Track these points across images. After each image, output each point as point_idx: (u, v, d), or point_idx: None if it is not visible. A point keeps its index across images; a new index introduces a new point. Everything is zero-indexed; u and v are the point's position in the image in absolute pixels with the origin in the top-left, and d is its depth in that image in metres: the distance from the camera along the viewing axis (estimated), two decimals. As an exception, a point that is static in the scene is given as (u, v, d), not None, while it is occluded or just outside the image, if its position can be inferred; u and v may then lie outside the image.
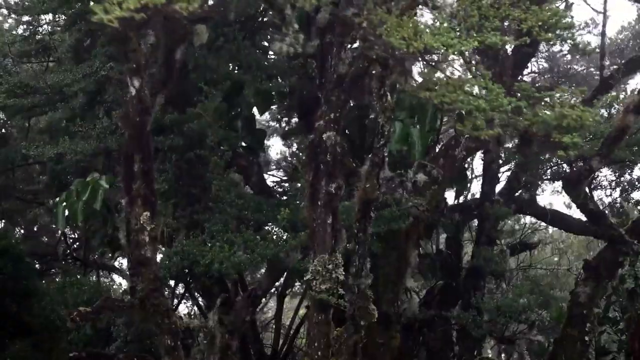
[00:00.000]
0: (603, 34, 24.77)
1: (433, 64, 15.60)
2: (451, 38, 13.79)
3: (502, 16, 14.60)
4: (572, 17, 15.10)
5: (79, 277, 27.52)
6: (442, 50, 13.98)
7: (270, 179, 31.58)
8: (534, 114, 14.09)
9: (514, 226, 36.22)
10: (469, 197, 31.25)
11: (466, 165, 28.90)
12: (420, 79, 18.12)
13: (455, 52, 13.98)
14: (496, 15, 14.54)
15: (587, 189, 21.81)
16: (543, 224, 32.89)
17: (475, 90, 14.46)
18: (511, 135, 15.36)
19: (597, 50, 24.49)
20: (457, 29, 14.41)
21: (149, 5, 12.35)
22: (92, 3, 14.20)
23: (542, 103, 14.29)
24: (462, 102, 14.04)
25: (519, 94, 14.44)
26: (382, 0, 15.44)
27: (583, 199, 21.31)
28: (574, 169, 22.54)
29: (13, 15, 27.55)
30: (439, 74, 15.57)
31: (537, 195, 30.26)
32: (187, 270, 20.65)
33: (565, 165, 26.33)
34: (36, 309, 22.01)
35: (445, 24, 14.48)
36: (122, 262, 32.14)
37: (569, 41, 15.12)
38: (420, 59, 15.27)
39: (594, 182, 27.64)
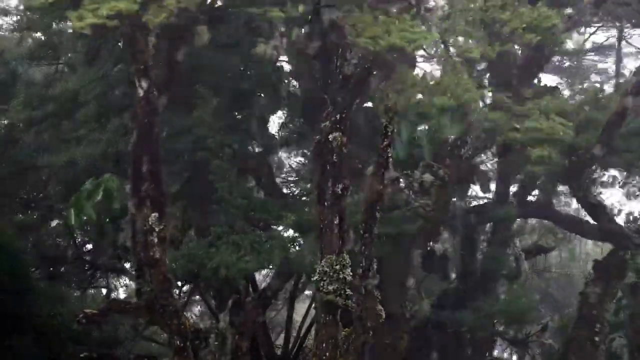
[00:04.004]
0: (619, 37, 24.73)
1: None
2: (413, 33, 13.85)
3: (489, 18, 14.68)
4: (559, 19, 14.94)
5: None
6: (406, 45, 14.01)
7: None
8: (510, 128, 14.21)
9: (529, 229, 36.06)
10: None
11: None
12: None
13: (419, 47, 14.03)
14: (483, 18, 14.63)
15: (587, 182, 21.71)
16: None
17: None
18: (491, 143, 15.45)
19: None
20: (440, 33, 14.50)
21: (122, 12, 12.62)
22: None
23: (519, 117, 14.39)
24: (431, 104, 14.17)
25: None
26: (375, 3, 15.46)
27: (584, 192, 21.17)
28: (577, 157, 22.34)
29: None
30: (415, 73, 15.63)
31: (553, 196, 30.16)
32: (194, 273, 20.68)
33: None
34: (39, 308, 22.07)
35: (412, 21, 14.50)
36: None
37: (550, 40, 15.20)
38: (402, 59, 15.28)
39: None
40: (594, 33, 30.44)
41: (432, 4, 15.51)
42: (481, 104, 14.38)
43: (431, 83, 14.49)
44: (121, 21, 14.14)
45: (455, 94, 13.90)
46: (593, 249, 36.65)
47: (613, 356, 22.86)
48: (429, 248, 23.23)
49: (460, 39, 14.60)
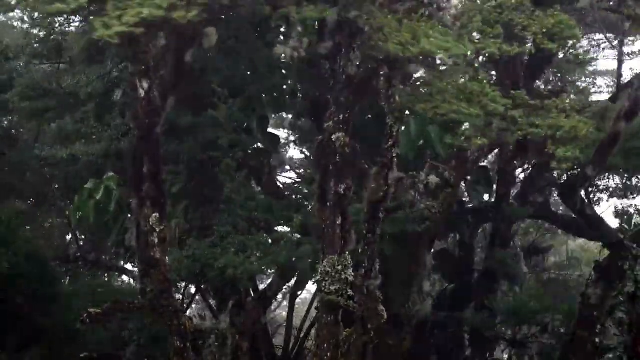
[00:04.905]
0: (621, 41, 24.73)
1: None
2: (447, 42, 13.84)
3: (504, 21, 14.66)
4: (577, 27, 14.99)
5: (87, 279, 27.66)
6: (440, 54, 14.03)
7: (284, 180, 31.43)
8: (529, 123, 14.20)
9: (528, 229, 36.10)
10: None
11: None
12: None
13: (451, 56, 14.02)
14: (499, 20, 14.61)
15: (583, 196, 21.76)
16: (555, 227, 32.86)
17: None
18: (507, 142, 15.42)
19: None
20: (457, 33, 14.46)
21: (148, 19, 12.48)
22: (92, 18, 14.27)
23: (539, 112, 14.37)
24: (457, 113, 14.14)
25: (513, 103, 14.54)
26: (386, 2, 15.46)
27: (580, 206, 21.30)
28: (569, 176, 22.56)
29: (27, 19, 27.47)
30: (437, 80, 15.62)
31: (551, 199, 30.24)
32: (198, 273, 20.66)
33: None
34: (53, 313, 21.99)
35: (440, 27, 14.50)
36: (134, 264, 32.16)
37: (571, 51, 15.25)
38: (420, 63, 15.26)
39: (594, 188, 27.60)
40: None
41: (444, 3, 15.53)
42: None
43: (454, 90, 14.37)
44: (147, 28, 14.05)
45: (481, 102, 13.88)
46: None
47: (605, 347, 22.88)
48: (433, 249, 23.31)
49: (476, 35, 14.53)
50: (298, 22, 16.60)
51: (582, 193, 21.77)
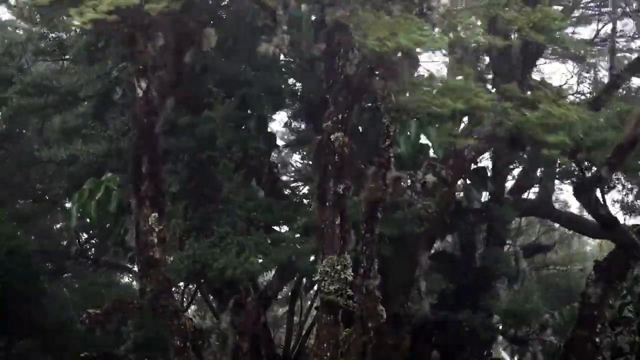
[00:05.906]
0: (613, 30, 24.67)
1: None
2: (423, 36, 13.91)
3: (492, 16, 14.73)
4: (565, 18, 15.07)
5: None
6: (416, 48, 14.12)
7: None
8: (520, 115, 14.26)
9: (526, 227, 36.06)
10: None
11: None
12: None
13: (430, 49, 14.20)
14: (485, 15, 14.68)
15: (598, 196, 21.54)
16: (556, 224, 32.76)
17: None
18: (499, 136, 15.46)
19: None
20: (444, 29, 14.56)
21: (122, 7, 12.65)
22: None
23: (529, 104, 14.47)
24: (440, 106, 14.21)
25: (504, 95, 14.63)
26: (379, 2, 15.49)
27: (594, 206, 21.13)
28: (584, 175, 22.37)
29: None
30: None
31: (552, 194, 30.14)
32: (198, 273, 20.66)
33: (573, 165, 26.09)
34: (47, 309, 22.04)
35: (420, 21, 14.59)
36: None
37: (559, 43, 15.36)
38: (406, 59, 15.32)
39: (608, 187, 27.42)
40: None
41: (434, 2, 15.55)
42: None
43: (439, 84, 14.46)
44: (121, 15, 14.20)
45: (464, 97, 13.94)
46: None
47: (617, 352, 22.93)
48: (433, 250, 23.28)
49: (463, 33, 14.60)
50: (284, 20, 16.58)
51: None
